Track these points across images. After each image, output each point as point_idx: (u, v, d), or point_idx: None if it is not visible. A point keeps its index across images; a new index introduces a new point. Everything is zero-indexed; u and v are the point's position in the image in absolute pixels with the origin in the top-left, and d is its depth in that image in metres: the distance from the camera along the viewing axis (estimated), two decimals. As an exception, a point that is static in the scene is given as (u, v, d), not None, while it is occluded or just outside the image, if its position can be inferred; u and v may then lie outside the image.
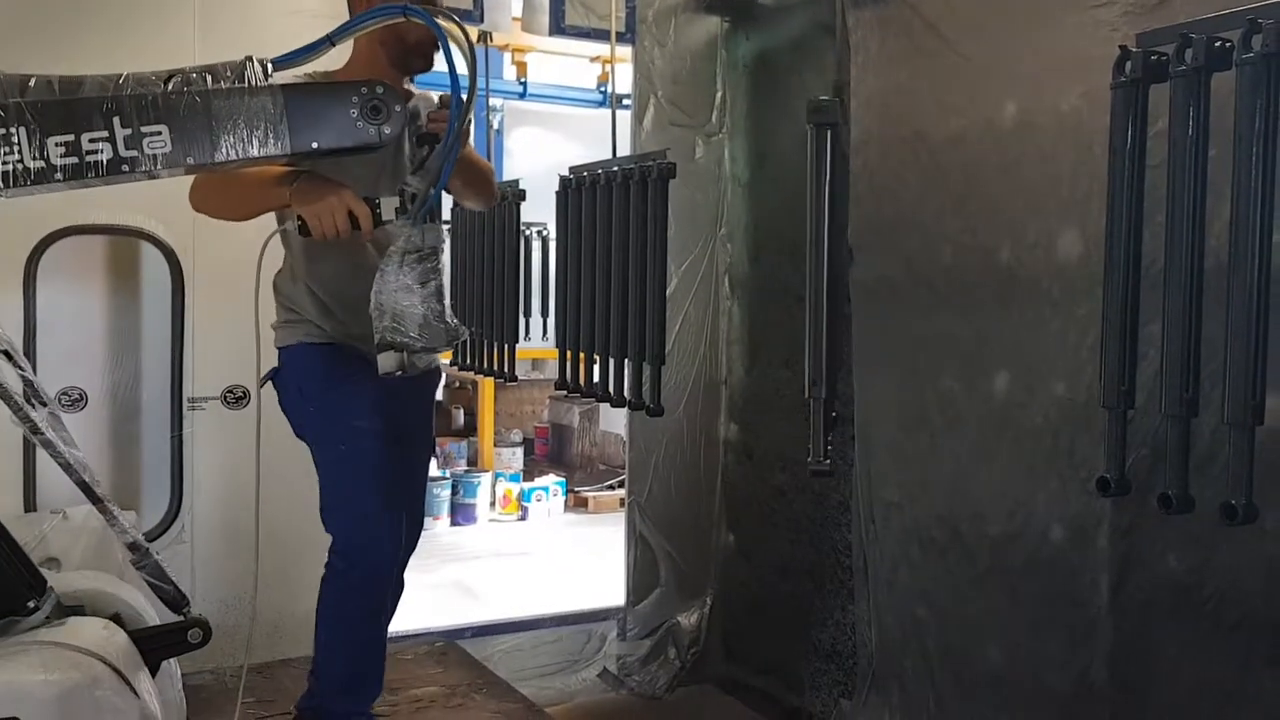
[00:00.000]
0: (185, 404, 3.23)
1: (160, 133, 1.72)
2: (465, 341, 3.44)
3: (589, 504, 6.76)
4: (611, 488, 6.75)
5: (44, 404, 1.92)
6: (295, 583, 2.88)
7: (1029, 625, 2.58)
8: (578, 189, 3.23)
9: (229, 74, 1.79)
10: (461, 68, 1.95)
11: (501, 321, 3.71)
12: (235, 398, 3.23)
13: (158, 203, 2.96)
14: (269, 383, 2.61)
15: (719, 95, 4.05)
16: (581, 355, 3.27)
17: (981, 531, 2.73)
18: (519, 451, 7.10)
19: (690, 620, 3.97)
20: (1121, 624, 2.35)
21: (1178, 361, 1.55)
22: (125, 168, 1.70)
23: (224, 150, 1.76)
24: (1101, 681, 2.40)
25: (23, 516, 2.89)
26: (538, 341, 4.81)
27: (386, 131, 1.87)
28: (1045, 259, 2.59)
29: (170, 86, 1.73)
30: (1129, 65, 1.60)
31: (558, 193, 3.35)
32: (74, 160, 1.68)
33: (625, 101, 3.99)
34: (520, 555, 5.77)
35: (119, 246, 3.26)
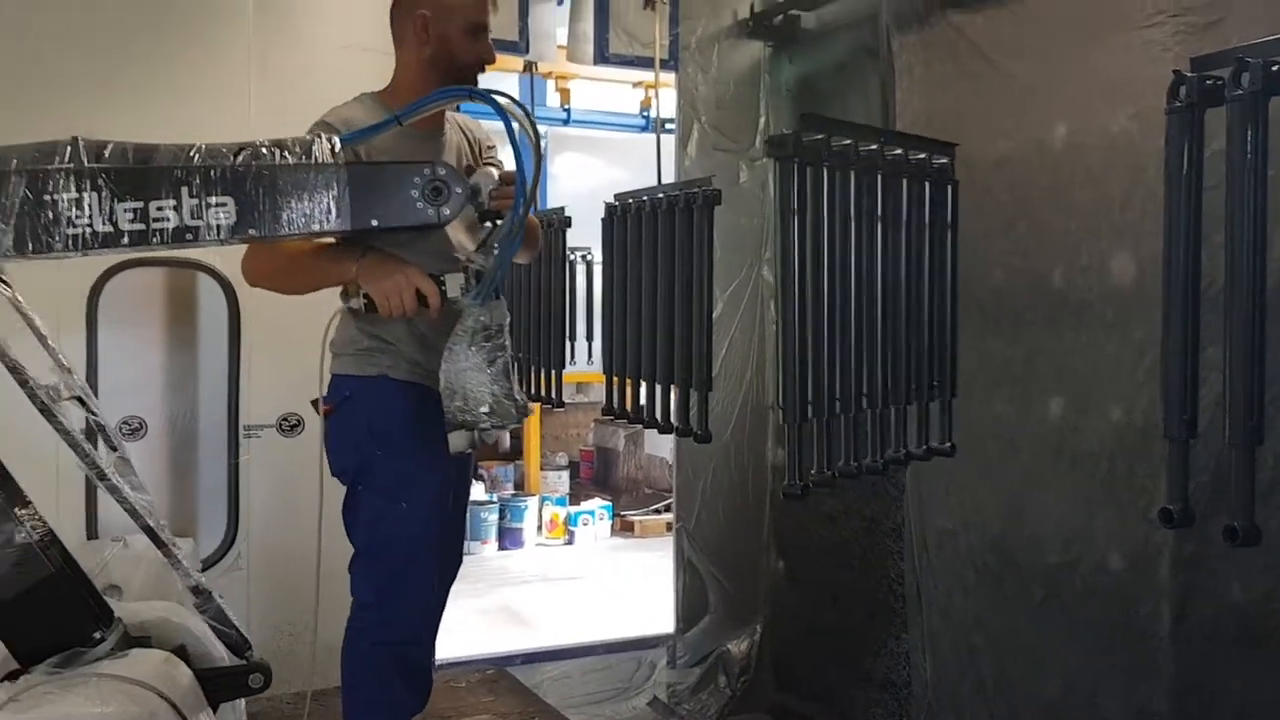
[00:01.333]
0: (241, 432, 3.27)
1: (226, 204, 1.76)
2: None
3: (635, 528, 6.75)
4: (658, 511, 6.74)
5: (114, 449, 1.95)
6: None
7: (1088, 656, 2.54)
8: (623, 216, 3.24)
9: (297, 149, 1.83)
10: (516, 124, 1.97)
11: (548, 347, 3.73)
12: (290, 425, 3.27)
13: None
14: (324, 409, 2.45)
15: (762, 120, 4.06)
16: (628, 380, 3.28)
17: (1038, 559, 2.69)
18: (565, 475, 7.12)
19: (740, 648, 3.95)
20: (1184, 655, 2.30)
21: (1240, 388, 1.52)
22: (189, 236, 1.75)
23: (286, 224, 1.80)
24: (1163, 714, 2.36)
25: (85, 544, 2.94)
26: (582, 365, 4.82)
27: (446, 213, 1.89)
28: (1098, 281, 2.56)
29: (239, 159, 1.77)
30: (1183, 90, 1.59)
31: (603, 219, 3.36)
32: (141, 226, 1.72)
33: (669, 126, 4.01)
34: (568, 580, 5.77)
35: (177, 279, 3.32)
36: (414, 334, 2.39)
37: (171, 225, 1.73)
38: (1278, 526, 1.62)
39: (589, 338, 5.00)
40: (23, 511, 1.65)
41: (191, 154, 1.76)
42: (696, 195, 2.93)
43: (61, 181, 1.69)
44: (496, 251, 2.09)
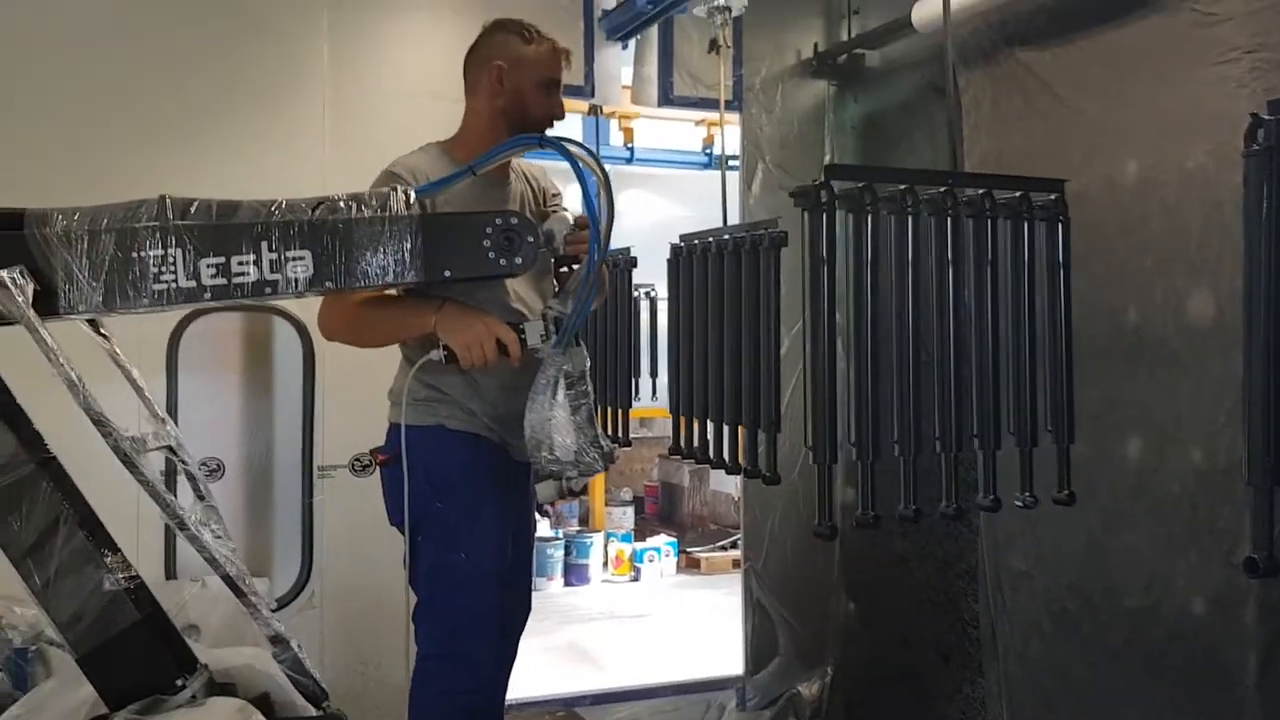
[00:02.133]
0: (315, 472, 3.33)
1: (304, 258, 1.81)
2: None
3: (701, 565, 6.72)
4: (724, 548, 6.70)
5: (201, 497, 2.00)
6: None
7: (1170, 704, 2.47)
8: (689, 256, 3.26)
9: (373, 202, 1.87)
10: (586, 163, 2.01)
11: (614, 386, 3.74)
12: (362, 465, 3.32)
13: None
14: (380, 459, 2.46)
15: (828, 158, 4.07)
16: (694, 420, 3.28)
17: (1117, 604, 2.63)
18: (630, 511, 7.11)
19: (811, 690, 3.90)
20: (1270, 704, 2.24)
21: (1330, 436, 1.49)
22: (268, 289, 1.80)
23: (361, 276, 1.85)
24: (1251, 764, 2.29)
25: (164, 584, 3.01)
26: (646, 401, 4.83)
27: (518, 262, 1.91)
28: (1175, 320, 2.52)
29: (316, 214, 1.82)
30: (1261, 133, 1.57)
31: (669, 260, 3.38)
32: (222, 281, 1.78)
33: (733, 164, 4.03)
34: (635, 618, 5.76)
35: (254, 323, 3.40)
36: (470, 383, 2.40)
37: (251, 279, 1.78)
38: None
39: (653, 374, 5.01)
40: (112, 558, 1.70)
41: (272, 209, 1.82)
42: (763, 237, 2.94)
43: (149, 239, 1.75)
44: (574, 298, 2.10)
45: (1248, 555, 1.62)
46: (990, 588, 3.03)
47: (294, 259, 1.80)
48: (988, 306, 2.38)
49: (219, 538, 1.90)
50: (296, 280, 1.80)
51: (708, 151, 6.58)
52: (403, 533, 2.43)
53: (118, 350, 1.95)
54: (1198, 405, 2.43)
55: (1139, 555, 2.57)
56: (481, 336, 2.17)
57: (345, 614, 3.33)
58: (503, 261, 1.92)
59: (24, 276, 1.71)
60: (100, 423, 1.71)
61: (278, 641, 1.89)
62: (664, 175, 6.89)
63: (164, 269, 1.76)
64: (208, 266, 1.77)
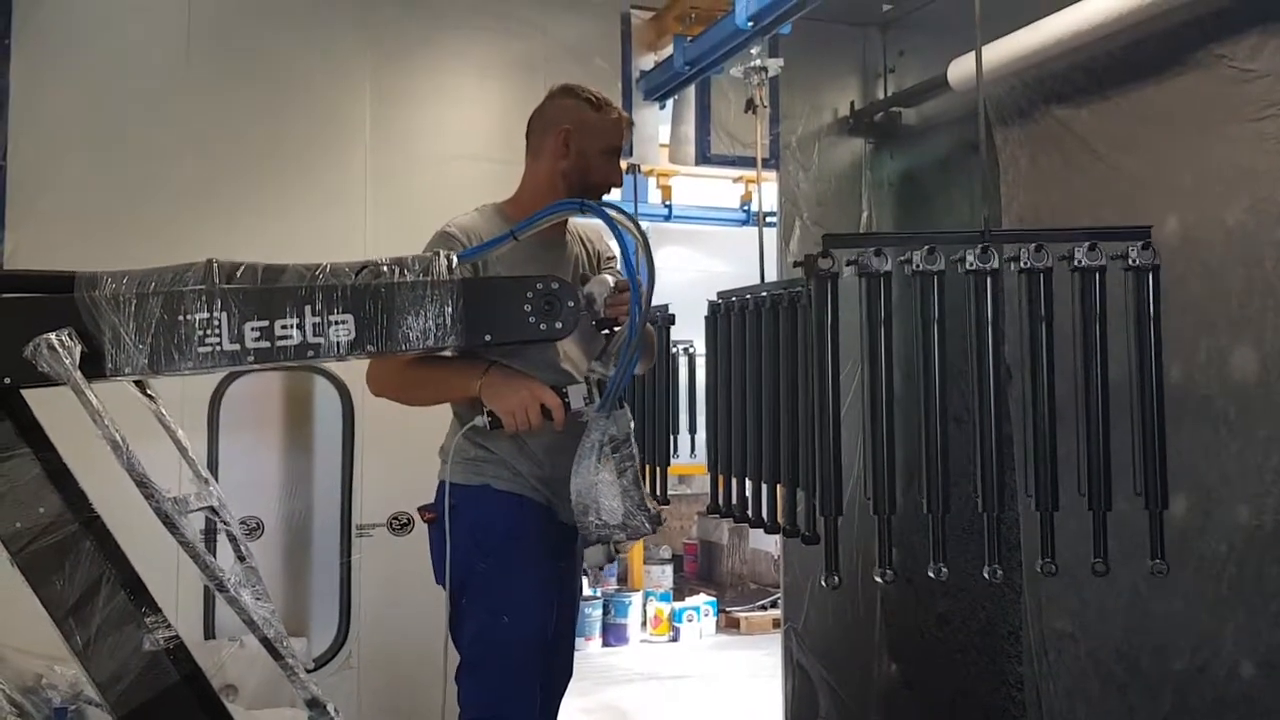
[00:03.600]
0: (354, 531, 3.34)
1: (346, 321, 1.83)
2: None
3: (741, 625, 6.64)
4: (764, 608, 6.63)
5: (242, 558, 2.01)
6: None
7: (1223, 771, 2.41)
8: (726, 313, 3.27)
9: (416, 266, 1.90)
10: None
11: (653, 443, 3.74)
12: (400, 524, 3.33)
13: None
14: (426, 518, 2.45)
15: (865, 214, 4.08)
16: (733, 478, 3.26)
17: (1164, 666, 2.58)
18: (668, 569, 7.06)
19: (852, 754, 3.83)
20: (1328, 772, 2.17)
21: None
22: (310, 353, 1.82)
23: (402, 340, 1.86)
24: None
25: (202, 644, 3.02)
26: (685, 458, 4.82)
27: (558, 327, 1.90)
28: (1218, 377, 2.48)
29: (359, 278, 1.85)
30: (1302, 190, 1.56)
31: (707, 318, 3.39)
32: (265, 345, 1.80)
33: (770, 220, 4.05)
34: (674, 679, 5.69)
35: (294, 382, 3.45)
36: (518, 444, 2.40)
37: (294, 342, 1.81)
38: None
39: (692, 430, 5.00)
40: (153, 618, 1.71)
41: (316, 274, 1.85)
42: (800, 294, 2.94)
43: (195, 302, 1.79)
44: (617, 361, 2.11)
45: (1297, 619, 1.59)
46: (1034, 650, 2.97)
47: (337, 323, 1.82)
48: (1043, 363, 2.36)
49: (259, 599, 1.90)
50: (339, 344, 1.82)
51: (745, 208, 6.60)
52: (447, 591, 2.40)
53: (163, 411, 1.98)
54: (1244, 464, 2.39)
55: (1186, 616, 2.52)
56: (525, 402, 2.19)
57: (383, 675, 3.32)
58: (543, 326, 1.92)
59: (72, 339, 1.75)
60: (143, 484, 1.73)
61: (315, 705, 1.88)
62: (702, 232, 6.93)
63: (209, 332, 1.79)
64: (252, 330, 1.80)
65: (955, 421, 2.65)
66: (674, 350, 4.64)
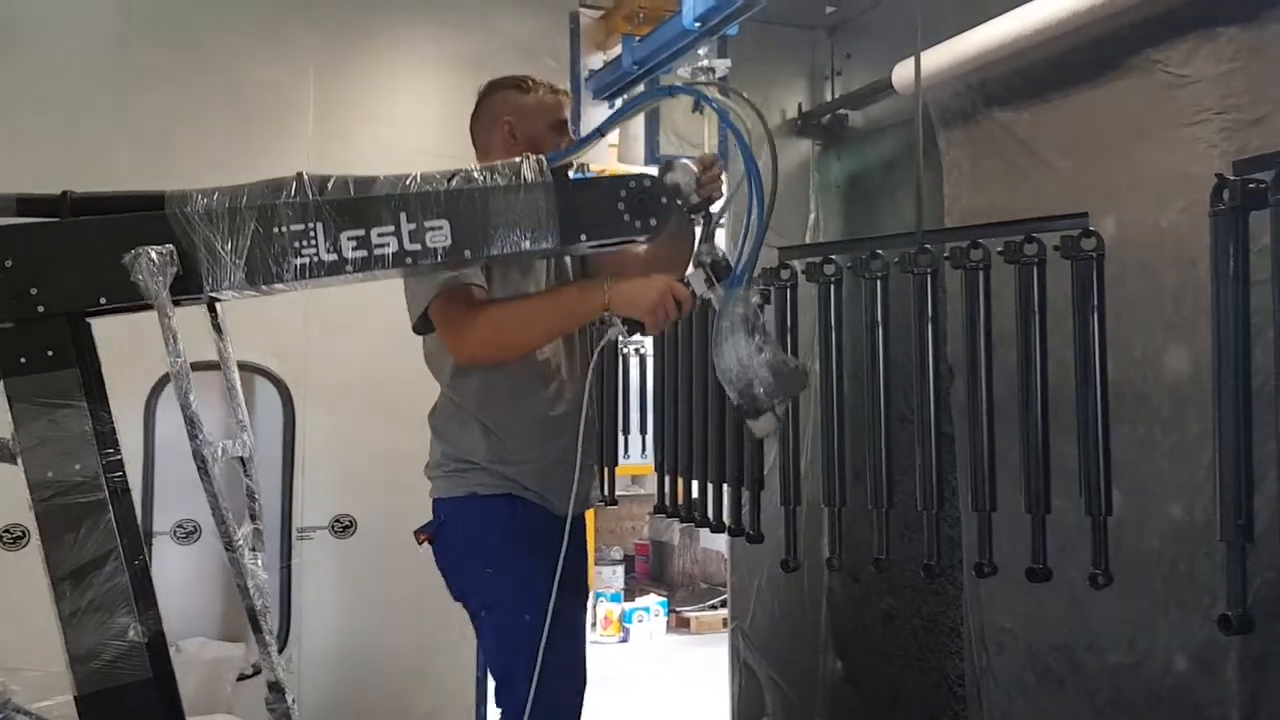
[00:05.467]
0: (295, 534, 3.30)
1: (442, 227, 1.81)
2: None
3: (691, 624, 6.66)
4: (714, 607, 6.65)
5: (254, 518, 2.06)
6: (408, 713, 2.88)
7: (1156, 763, 2.45)
8: (674, 314, 3.27)
9: (506, 170, 1.87)
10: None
11: (601, 444, 3.74)
12: (342, 527, 3.30)
13: (271, 338, 3.09)
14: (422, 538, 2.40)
15: (812, 216, 4.10)
16: (680, 478, 3.27)
17: (1100, 661, 2.61)
18: (620, 570, 7.06)
19: (798, 752, 3.85)
20: (1257, 763, 2.21)
21: (1297, 493, 1.49)
22: (409, 260, 1.81)
23: (499, 243, 1.84)
24: (1238, 826, 2.25)
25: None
26: (636, 458, 4.82)
27: (652, 223, 1.88)
28: (1153, 376, 2.52)
29: (453, 183, 1.83)
30: (1226, 194, 1.59)
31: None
32: (364, 254, 1.79)
33: (722, 222, 4.05)
34: (623, 679, 5.69)
35: (234, 381, 3.40)
36: (492, 443, 2.36)
37: (392, 250, 1.80)
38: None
39: (642, 430, 5.01)
40: (147, 612, 1.69)
41: (408, 182, 1.83)
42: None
43: (289, 214, 1.77)
44: (746, 239, 1.99)
45: (1222, 613, 1.61)
46: (975, 646, 3.01)
47: (433, 228, 1.80)
48: (980, 363, 2.39)
49: (256, 567, 1.90)
50: (437, 250, 1.81)
51: (697, 209, 6.62)
52: (466, 607, 2.39)
53: (228, 347, 1.98)
54: (1177, 461, 2.44)
55: (1121, 612, 2.55)
56: (663, 297, 2.12)
57: (325, 680, 3.29)
58: (638, 223, 1.88)
59: (171, 257, 1.73)
60: (192, 422, 1.72)
61: (276, 689, 1.88)
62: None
63: (305, 243, 1.78)
64: (348, 239, 1.79)
65: (900, 420, 2.68)
66: (624, 350, 4.65)
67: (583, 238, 1.87)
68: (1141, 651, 2.50)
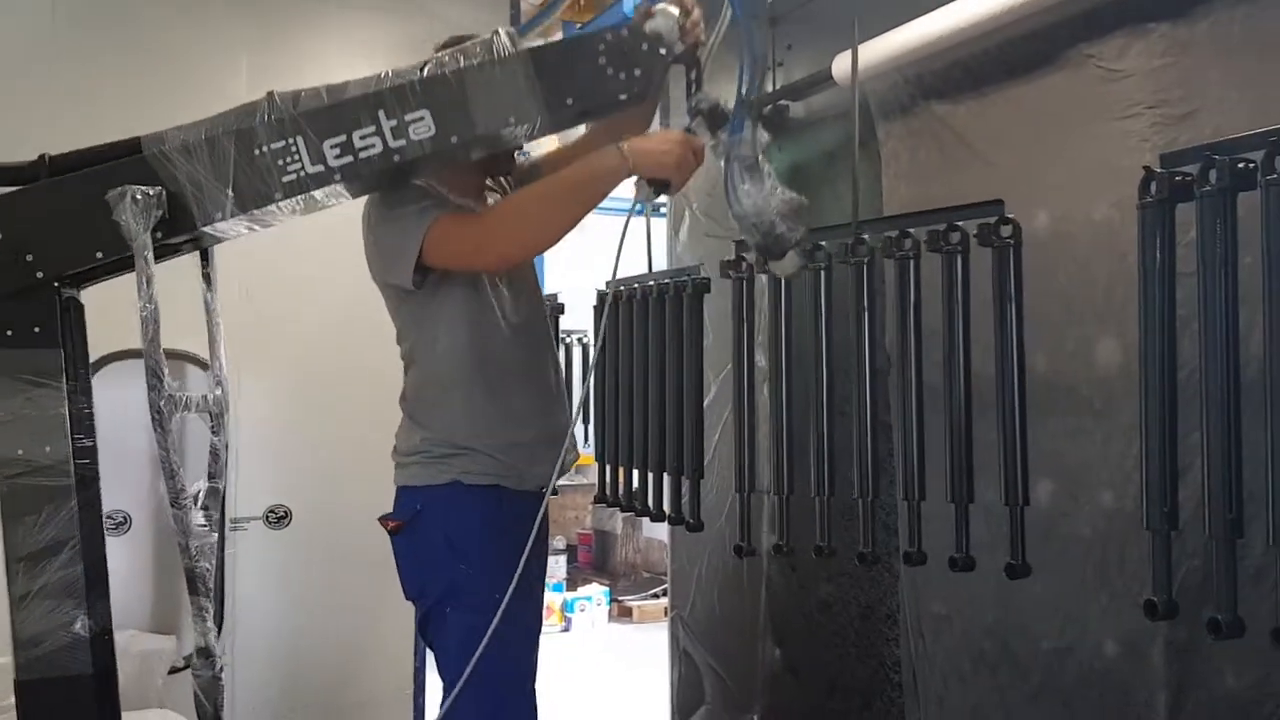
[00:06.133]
0: (228, 525, 3.25)
1: (423, 117, 1.80)
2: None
3: (633, 613, 6.69)
4: (656, 596, 6.68)
5: (214, 477, 2.19)
6: (341, 712, 2.85)
7: (1085, 746, 2.49)
8: (614, 303, 3.27)
9: (478, 50, 1.84)
10: None
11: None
12: (277, 518, 3.26)
13: (193, 321, 3.03)
14: (391, 526, 2.28)
15: (754, 206, 4.11)
16: (620, 468, 3.27)
17: (1033, 646, 2.66)
18: (562, 560, 7.07)
19: (737, 739, 3.88)
20: (1182, 746, 2.26)
21: (1219, 482, 1.52)
22: (396, 157, 1.77)
23: (483, 123, 1.82)
24: (1163, 806, 2.30)
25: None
26: (579, 447, 4.81)
27: (636, 74, 1.83)
28: (1084, 367, 2.56)
29: (425, 71, 1.80)
30: (1154, 186, 1.61)
31: (595, 306, 3.39)
32: (349, 159, 1.77)
33: (662, 210, 4.06)
34: (563, 668, 5.69)
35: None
36: (488, 422, 2.25)
37: (377, 150, 1.78)
38: (1266, 612, 1.59)
39: (585, 421, 5.00)
40: (97, 605, 1.67)
41: (381, 78, 1.81)
42: (687, 283, 2.96)
43: (267, 133, 1.74)
44: (742, 76, 1.97)
45: (1146, 599, 1.64)
46: (911, 632, 3.04)
47: (413, 120, 1.79)
48: (911, 353, 2.42)
49: (204, 526, 1.89)
50: (422, 141, 1.79)
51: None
52: (422, 606, 2.27)
53: (217, 301, 1.96)
54: (1108, 450, 2.48)
55: (1053, 598, 2.60)
56: (685, 149, 2.05)
57: (258, 674, 3.25)
58: (623, 76, 1.85)
59: (156, 197, 1.70)
60: (155, 374, 1.70)
61: (205, 655, 1.86)
62: (595, 220, 6.92)
63: (289, 160, 1.77)
64: (331, 147, 1.78)
65: (840, 411, 2.70)
66: (567, 339, 4.63)
67: (569, 102, 1.81)
68: (1072, 636, 2.55)
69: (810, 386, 2.53)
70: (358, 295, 3.64)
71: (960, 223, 2.29)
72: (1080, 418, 2.56)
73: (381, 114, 1.77)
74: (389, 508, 2.35)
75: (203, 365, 3.22)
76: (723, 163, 2.05)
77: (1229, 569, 1.54)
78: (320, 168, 1.77)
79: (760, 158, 2.01)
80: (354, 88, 1.82)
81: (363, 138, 1.78)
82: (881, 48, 3.07)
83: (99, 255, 1.75)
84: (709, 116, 2.05)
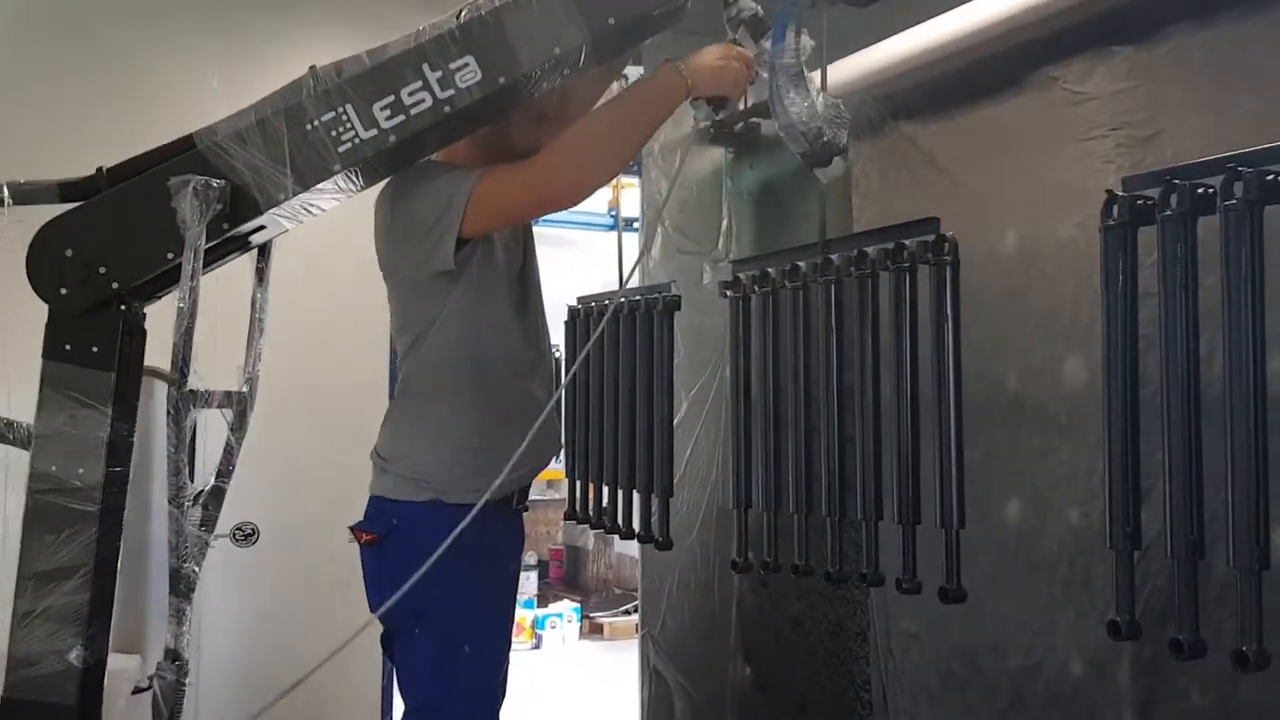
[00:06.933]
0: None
1: (468, 63, 1.80)
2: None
3: (604, 630, 6.66)
4: (628, 612, 6.66)
5: (220, 474, 2.20)
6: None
7: (1052, 764, 2.50)
8: (585, 319, 3.27)
9: None
10: None
11: (513, 449, 3.71)
12: (244, 535, 3.23)
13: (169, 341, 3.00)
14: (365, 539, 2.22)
15: (725, 222, 4.12)
16: (591, 484, 3.27)
17: (1002, 664, 2.67)
18: (533, 575, 7.04)
19: (707, 758, 3.87)
20: (1147, 764, 2.27)
21: (1181, 504, 1.54)
22: (447, 108, 1.79)
23: (528, 59, 1.80)
24: (1130, 825, 2.31)
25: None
26: (551, 462, 4.80)
27: None
28: (1052, 385, 2.58)
29: (462, 17, 1.81)
30: (1116, 209, 1.63)
31: (566, 322, 3.38)
32: (401, 118, 1.78)
33: (635, 225, 4.07)
34: (533, 687, 5.66)
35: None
36: (483, 429, 2.17)
37: (428, 105, 1.79)
38: (1230, 630, 1.61)
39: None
40: (96, 638, 1.65)
41: (420, 31, 1.83)
42: (657, 300, 2.97)
43: (315, 107, 1.74)
44: None
45: (1110, 619, 1.65)
46: (881, 651, 3.05)
47: (459, 68, 1.79)
48: (869, 372, 2.43)
49: (201, 526, 1.89)
50: (470, 88, 1.79)
51: (613, 214, 6.64)
52: (384, 622, 2.19)
53: (266, 298, 1.96)
54: (1074, 468, 2.49)
55: (1020, 616, 2.61)
56: (736, 64, 2.06)
57: (223, 694, 3.21)
58: None
59: (219, 193, 1.69)
60: (180, 368, 1.70)
61: (174, 658, 1.85)
62: (570, 235, 6.94)
63: (342, 129, 1.77)
64: (381, 109, 1.78)
65: (813, 429, 2.71)
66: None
67: (611, 21, 1.82)
68: (1040, 654, 2.56)
69: (788, 405, 2.53)
70: (327, 312, 3.63)
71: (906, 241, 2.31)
72: (1048, 436, 2.57)
73: (425, 67, 1.77)
74: (349, 528, 2.31)
75: (169, 380, 3.20)
76: (766, 74, 2.06)
77: (1191, 590, 1.55)
78: (374, 131, 1.77)
79: (788, 81, 2.02)
80: (394, 47, 1.83)
81: (411, 94, 1.77)
82: (851, 67, 3.10)
83: (170, 256, 1.76)
84: (750, 26, 2.05)
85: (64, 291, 1.73)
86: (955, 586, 2.16)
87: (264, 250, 2.02)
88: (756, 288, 2.61)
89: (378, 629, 2.21)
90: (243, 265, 2.22)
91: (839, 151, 2.07)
